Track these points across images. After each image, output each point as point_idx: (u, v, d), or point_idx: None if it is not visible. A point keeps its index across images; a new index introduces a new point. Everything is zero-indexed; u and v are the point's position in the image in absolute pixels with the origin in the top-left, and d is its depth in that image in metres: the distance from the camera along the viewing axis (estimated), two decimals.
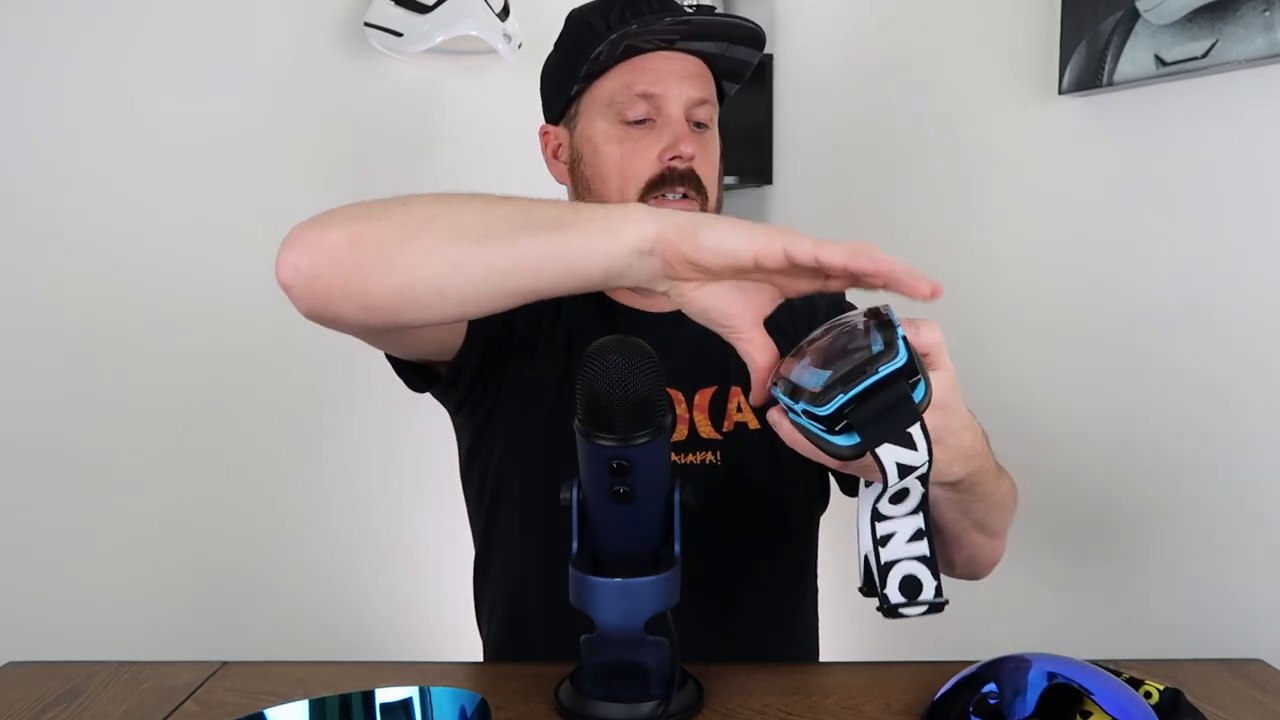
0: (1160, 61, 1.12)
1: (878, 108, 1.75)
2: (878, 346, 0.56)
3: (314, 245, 0.67)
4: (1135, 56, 1.15)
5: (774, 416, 0.62)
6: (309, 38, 1.86)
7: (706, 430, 0.96)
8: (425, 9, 1.79)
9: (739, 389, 0.97)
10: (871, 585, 0.63)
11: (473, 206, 0.66)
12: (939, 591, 0.61)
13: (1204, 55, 1.07)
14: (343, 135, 1.91)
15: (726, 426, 0.96)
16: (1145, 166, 1.20)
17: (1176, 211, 1.17)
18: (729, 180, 2.12)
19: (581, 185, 0.98)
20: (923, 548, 0.61)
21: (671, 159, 0.92)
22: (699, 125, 0.96)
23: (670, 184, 0.92)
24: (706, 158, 0.96)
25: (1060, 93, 1.26)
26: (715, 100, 0.99)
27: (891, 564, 0.61)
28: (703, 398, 0.97)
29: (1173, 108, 1.16)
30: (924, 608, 0.61)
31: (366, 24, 1.82)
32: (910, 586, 0.61)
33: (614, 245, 0.63)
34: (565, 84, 0.98)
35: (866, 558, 0.63)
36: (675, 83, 0.94)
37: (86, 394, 1.70)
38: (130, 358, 1.73)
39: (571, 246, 0.64)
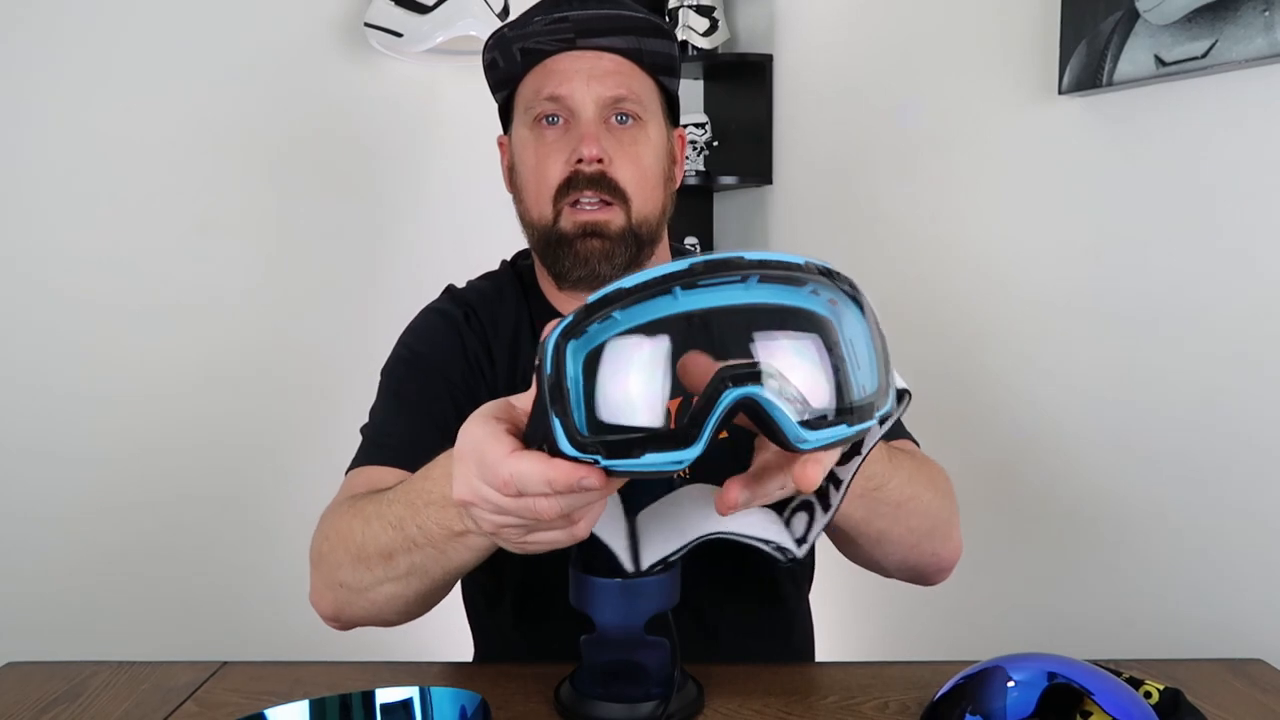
0: (1160, 61, 1.12)
1: (878, 108, 1.75)
2: None
3: (323, 612, 0.81)
4: (1135, 56, 1.15)
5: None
6: (309, 38, 1.86)
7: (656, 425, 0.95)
8: (425, 9, 1.80)
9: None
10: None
11: (372, 554, 0.73)
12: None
13: (1204, 55, 1.07)
14: (342, 135, 1.91)
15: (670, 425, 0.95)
16: (1145, 166, 1.20)
17: (1176, 211, 1.17)
18: (728, 180, 2.12)
19: (515, 194, 0.97)
20: None
21: (577, 162, 0.89)
22: (623, 119, 0.91)
23: (578, 188, 0.89)
24: (629, 158, 0.91)
25: (1060, 93, 1.26)
26: (645, 96, 0.93)
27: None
28: (669, 406, 0.95)
29: (1173, 108, 1.16)
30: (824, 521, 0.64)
31: (366, 24, 1.83)
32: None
33: (466, 537, 0.65)
34: (496, 94, 0.98)
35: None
36: (582, 82, 0.89)
37: (86, 394, 1.70)
38: (130, 358, 1.73)
39: (456, 551, 0.67)
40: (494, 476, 0.51)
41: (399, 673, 0.83)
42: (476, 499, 0.54)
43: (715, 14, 2.15)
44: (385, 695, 0.67)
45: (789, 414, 0.47)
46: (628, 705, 0.72)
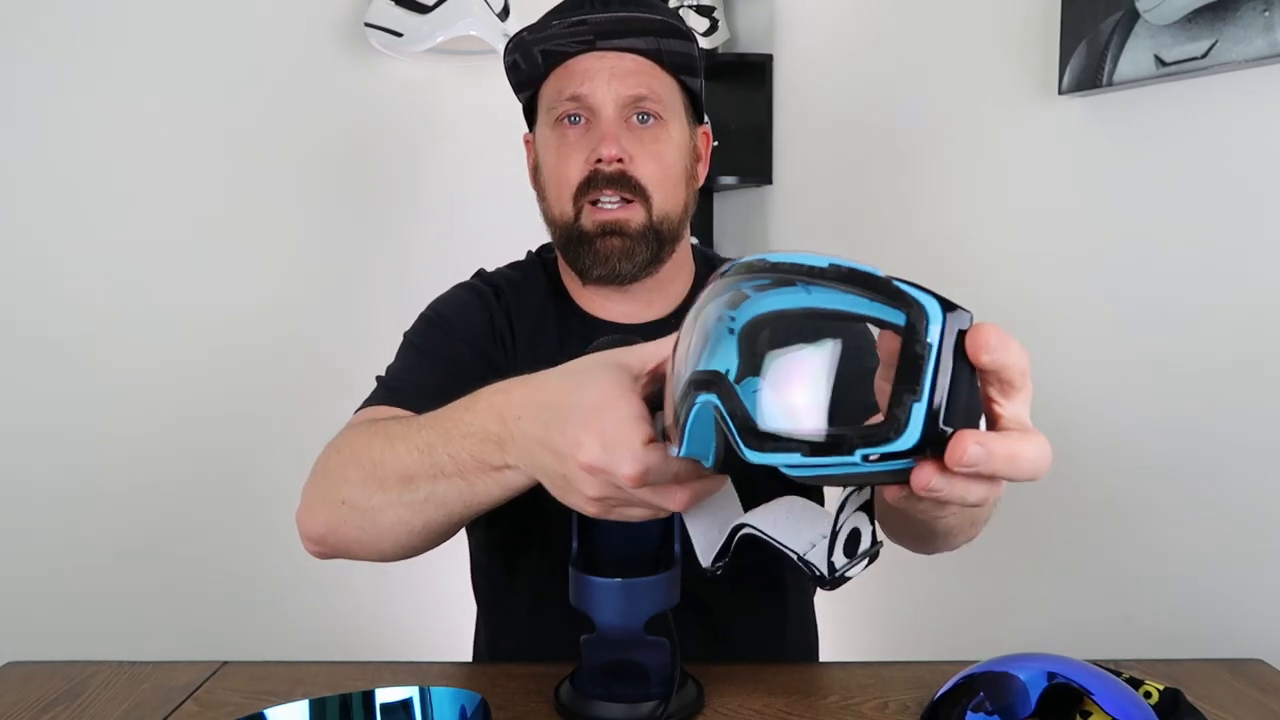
0: (1160, 61, 1.12)
1: (878, 108, 1.75)
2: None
3: (311, 530, 0.78)
4: (1135, 56, 1.15)
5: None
6: (309, 38, 1.86)
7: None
8: (425, 9, 1.79)
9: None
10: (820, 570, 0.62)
11: (394, 483, 0.71)
12: (874, 537, 0.58)
13: (1204, 55, 1.07)
14: (343, 135, 1.91)
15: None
16: (1145, 166, 1.20)
17: (1176, 211, 1.17)
18: (729, 180, 2.12)
19: (539, 192, 0.98)
20: (865, 494, 0.57)
21: (597, 162, 0.90)
22: (644, 119, 0.92)
23: (598, 187, 0.90)
24: (651, 156, 0.92)
25: (1060, 93, 1.26)
26: (667, 95, 0.93)
27: (840, 528, 0.58)
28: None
29: (1173, 108, 1.16)
30: (866, 560, 0.58)
31: (366, 24, 1.83)
32: (852, 542, 0.57)
33: (500, 477, 0.65)
34: (519, 95, 0.99)
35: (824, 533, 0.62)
36: (603, 81, 0.90)
37: (86, 396, 1.70)
38: (130, 358, 1.73)
39: (485, 486, 0.67)
40: (627, 466, 0.53)
41: (399, 673, 0.83)
42: (608, 469, 0.54)
43: (715, 14, 2.15)
44: (385, 695, 0.67)
45: (733, 426, 0.46)
46: (628, 705, 0.72)
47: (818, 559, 0.60)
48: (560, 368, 0.61)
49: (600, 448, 0.54)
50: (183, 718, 0.75)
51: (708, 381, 0.48)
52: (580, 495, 0.57)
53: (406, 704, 0.67)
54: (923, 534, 0.82)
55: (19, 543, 1.66)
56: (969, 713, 0.67)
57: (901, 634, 1.71)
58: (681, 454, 0.50)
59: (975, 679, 0.70)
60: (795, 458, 0.45)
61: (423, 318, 0.98)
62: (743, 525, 0.62)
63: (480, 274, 1.03)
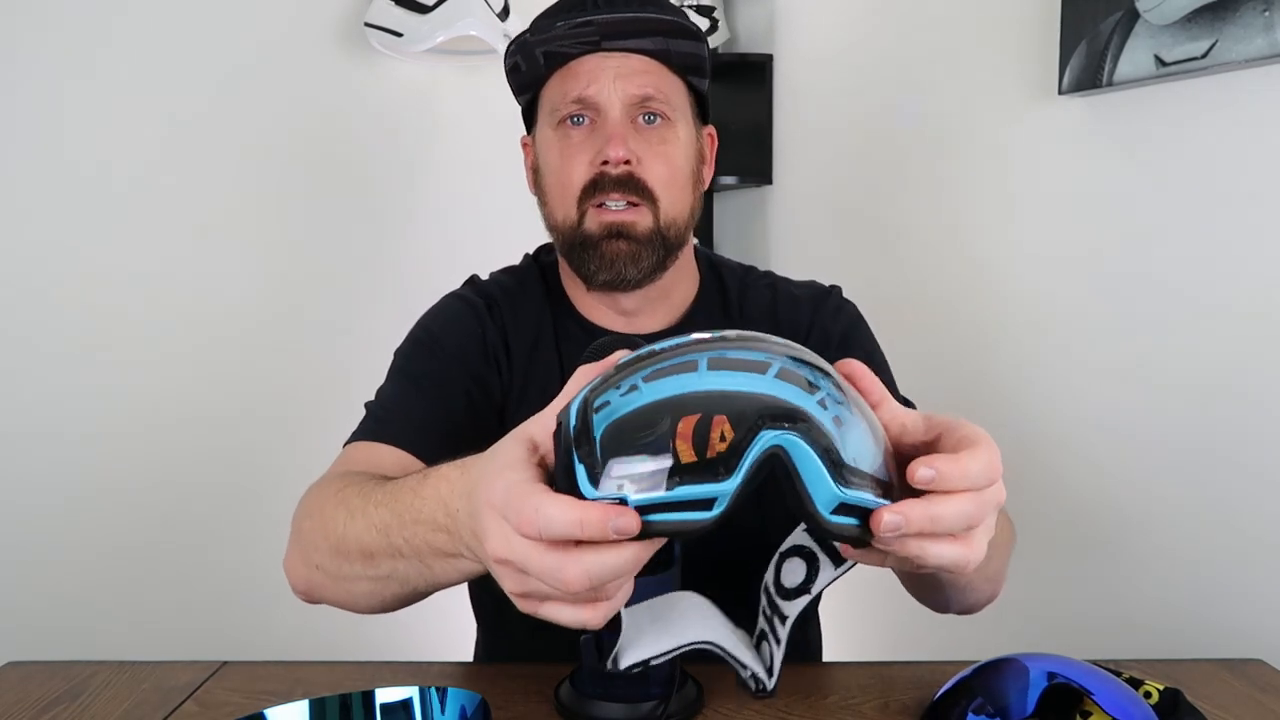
0: (1160, 62, 1.12)
1: (878, 108, 1.75)
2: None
3: (295, 584, 0.79)
4: (1135, 57, 1.15)
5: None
6: (309, 38, 1.86)
7: (688, 458, 0.93)
8: (425, 9, 1.80)
9: (724, 418, 0.94)
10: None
11: (363, 552, 0.68)
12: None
13: (1204, 55, 1.07)
14: (343, 135, 1.91)
15: (708, 455, 0.93)
16: (1145, 166, 1.20)
17: (1176, 211, 1.17)
18: (728, 180, 2.12)
19: (540, 196, 0.95)
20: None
21: (603, 164, 0.87)
22: (650, 119, 0.89)
23: (604, 190, 0.87)
24: (658, 157, 0.89)
25: (1060, 93, 1.26)
26: (674, 95, 0.91)
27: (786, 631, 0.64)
28: (685, 425, 0.94)
29: (1173, 108, 1.16)
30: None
31: (366, 24, 1.83)
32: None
33: (471, 552, 0.58)
34: (518, 97, 0.96)
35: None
36: (609, 81, 0.87)
37: (85, 396, 1.70)
38: (131, 359, 1.73)
39: (443, 569, 0.63)
40: (518, 515, 0.45)
41: (399, 673, 0.83)
42: (513, 556, 0.47)
43: (715, 14, 2.15)
44: (385, 695, 0.68)
45: (823, 467, 0.44)
46: (628, 705, 0.72)
47: (761, 671, 0.62)
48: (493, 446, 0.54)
49: (503, 537, 0.47)
50: (183, 718, 0.75)
51: (792, 416, 0.45)
52: (507, 591, 0.50)
53: (406, 704, 0.67)
54: (936, 585, 0.79)
55: (19, 542, 1.66)
56: (969, 713, 0.67)
57: (902, 634, 1.71)
58: (732, 486, 0.46)
59: (975, 679, 0.70)
60: (868, 498, 0.46)
61: (412, 336, 0.95)
62: (703, 642, 0.62)
63: (473, 282, 1.00)
